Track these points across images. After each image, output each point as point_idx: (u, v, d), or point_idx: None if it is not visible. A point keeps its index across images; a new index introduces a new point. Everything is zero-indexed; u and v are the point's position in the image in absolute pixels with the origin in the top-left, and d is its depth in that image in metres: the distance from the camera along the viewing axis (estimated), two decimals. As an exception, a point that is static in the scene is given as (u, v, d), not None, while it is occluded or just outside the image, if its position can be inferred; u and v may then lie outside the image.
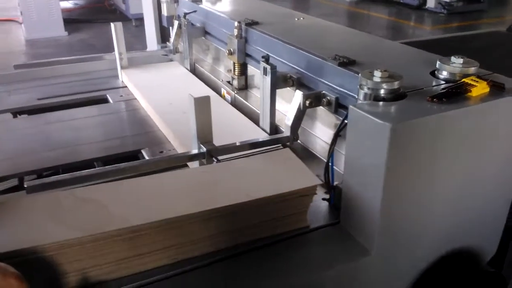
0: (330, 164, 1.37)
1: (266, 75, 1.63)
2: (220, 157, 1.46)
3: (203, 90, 2.16)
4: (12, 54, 6.79)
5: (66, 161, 1.68)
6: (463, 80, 1.23)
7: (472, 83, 1.20)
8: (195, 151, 1.45)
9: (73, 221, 1.07)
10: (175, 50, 2.56)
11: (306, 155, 1.62)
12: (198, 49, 2.60)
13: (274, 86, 1.64)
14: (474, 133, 1.20)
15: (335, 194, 1.37)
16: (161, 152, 1.66)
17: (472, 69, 1.29)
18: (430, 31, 8.50)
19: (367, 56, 1.54)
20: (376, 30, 8.54)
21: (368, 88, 1.22)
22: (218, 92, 2.17)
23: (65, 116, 2.04)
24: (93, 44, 7.03)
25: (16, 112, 2.12)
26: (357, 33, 1.90)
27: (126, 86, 2.36)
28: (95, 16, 8.87)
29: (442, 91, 1.19)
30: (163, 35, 2.87)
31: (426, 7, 9.51)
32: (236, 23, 1.96)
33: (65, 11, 8.94)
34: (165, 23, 2.76)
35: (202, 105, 1.41)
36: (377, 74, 1.21)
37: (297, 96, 1.51)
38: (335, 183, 1.37)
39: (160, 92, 2.14)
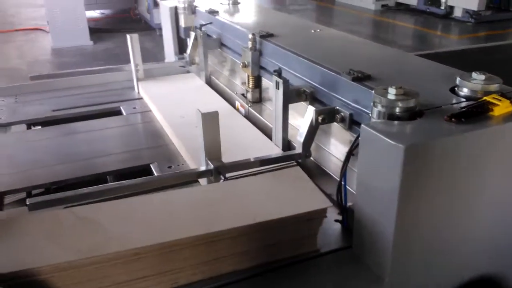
0: (343, 183, 1.31)
1: (278, 89, 1.58)
2: (228, 174, 1.41)
3: (218, 102, 2.12)
4: (37, 63, 6.91)
5: (75, 175, 1.66)
6: (484, 98, 1.15)
7: (494, 101, 1.13)
8: (203, 168, 1.41)
9: (71, 242, 1.04)
10: (192, 62, 2.53)
11: (318, 173, 1.56)
12: (215, 61, 2.56)
13: (287, 101, 1.58)
14: (495, 156, 1.12)
15: (348, 216, 1.31)
16: (170, 167, 1.62)
17: (494, 86, 1.22)
18: (457, 40, 8.31)
19: (384, 70, 1.48)
20: (401, 39, 8.40)
21: (382, 106, 1.15)
22: (232, 104, 2.12)
23: (78, 128, 2.03)
24: (118, 53, 7.10)
25: (31, 124, 2.12)
26: (375, 45, 1.83)
27: (141, 98, 2.34)
28: (121, 25, 8.97)
29: (462, 110, 1.11)
30: (181, 46, 2.85)
31: (453, 16, 9.31)
32: (250, 35, 1.91)
33: (91, 20, 9.09)
34: (182, 34, 2.74)
35: (210, 121, 1.36)
36: (392, 91, 1.15)
37: (310, 112, 1.45)
38: (349, 204, 1.31)
39: (174, 104, 2.11)
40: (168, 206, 1.16)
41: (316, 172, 1.58)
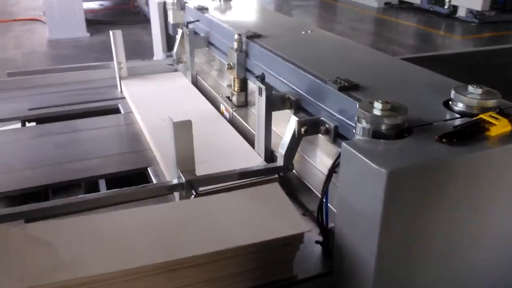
0: (324, 201, 1.20)
1: (261, 96, 1.47)
2: (202, 188, 1.31)
3: (201, 105, 2.01)
4: (33, 54, 6.79)
5: (47, 181, 1.56)
6: (480, 116, 1.04)
7: (491, 120, 1.02)
8: (174, 181, 1.30)
9: (14, 267, 0.93)
10: (179, 60, 2.42)
11: (301, 187, 1.45)
12: (203, 59, 2.45)
13: (270, 108, 1.48)
14: (491, 181, 1.01)
15: (330, 238, 1.20)
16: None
17: (492, 102, 1.10)
18: (460, 41, 8.17)
19: (374, 79, 1.37)
20: (403, 38, 8.27)
21: (367, 122, 1.04)
22: (218, 107, 2.01)
23: (53, 129, 1.92)
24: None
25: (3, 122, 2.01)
26: (368, 50, 1.72)
27: (124, 97, 2.23)
28: (119, 17, 8.83)
29: (454, 129, 1.00)
30: (170, 44, 2.73)
31: (457, 15, 9.16)
32: (236, 35, 1.80)
33: (90, 11, 8.96)
34: (171, 31, 2.63)
35: (183, 130, 1.26)
36: (378, 106, 1.04)
37: (292, 122, 1.34)
38: (331, 224, 1.20)
39: (155, 105, 2.00)
40: (129, 227, 1.05)
41: (298, 186, 1.47)
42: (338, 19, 9.91)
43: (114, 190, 1.25)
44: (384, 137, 1.02)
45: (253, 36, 1.80)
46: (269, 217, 1.10)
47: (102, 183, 2.02)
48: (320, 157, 1.45)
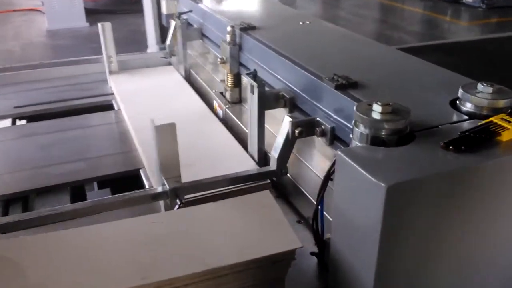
0: (319, 209, 1.10)
1: (253, 93, 1.37)
2: (188, 196, 1.21)
3: (193, 102, 1.91)
4: (31, 45, 6.69)
5: (28, 186, 1.47)
6: (490, 119, 0.94)
7: (503, 123, 0.91)
8: (159, 188, 1.21)
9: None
10: (172, 53, 2.31)
11: (295, 191, 1.35)
12: (197, 52, 2.34)
13: (262, 107, 1.37)
14: (502, 193, 0.91)
15: (325, 249, 1.11)
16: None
17: (503, 102, 1.00)
18: (467, 26, 7.99)
19: (375, 75, 1.26)
20: (409, 25, 8.09)
21: (365, 127, 0.94)
22: (210, 104, 1.91)
23: (38, 129, 1.83)
24: (113, 37, 6.89)
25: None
26: (370, 43, 1.60)
27: (113, 93, 2.13)
28: (121, 7, 8.70)
29: (462, 134, 0.90)
30: (163, 35, 2.62)
31: (464, 0, 8.96)
32: (228, 28, 1.69)
33: (91, 1, 8.83)
34: (164, 22, 2.51)
35: (166, 134, 1.15)
36: (377, 109, 0.94)
37: (285, 123, 1.24)
38: (327, 235, 1.11)
39: (144, 103, 1.90)
40: (103, 244, 0.96)
41: (293, 190, 1.37)
42: (343, 5, 9.72)
43: (92, 200, 1.16)
44: (384, 144, 0.92)
45: (247, 28, 1.69)
46: (257, 231, 1.00)
47: (95, 186, 1.94)
48: (316, 159, 1.35)
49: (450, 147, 0.87)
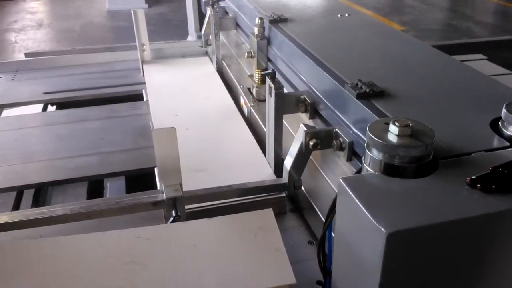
0: (326, 236, 0.97)
1: (270, 95, 1.24)
2: (188, 206, 1.11)
3: (220, 98, 1.80)
4: (90, 25, 6.83)
5: (43, 179, 1.43)
6: (536, 150, 0.76)
7: (552, 158, 0.73)
8: (158, 196, 1.11)
9: None
10: (207, 43, 2.21)
11: (309, 208, 1.21)
12: (233, 43, 2.22)
13: (280, 111, 1.24)
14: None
15: (332, 282, 0.97)
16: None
17: (557, 128, 0.81)
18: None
19: (407, 83, 1.10)
20: (480, 15, 7.54)
21: (378, 151, 0.79)
22: (238, 100, 1.79)
23: (60, 118, 1.79)
24: (170, 19, 6.87)
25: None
26: (410, 41, 1.42)
27: (145, 83, 2.06)
28: (181, -12, 8.76)
29: (494, 169, 0.73)
30: (202, 23, 2.52)
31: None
32: (257, 19, 1.56)
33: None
34: (203, 9, 2.41)
35: (165, 139, 1.06)
36: (394, 130, 0.78)
37: (300, 133, 1.10)
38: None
39: (171, 96, 1.81)
40: (78, 261, 0.88)
41: (307, 206, 1.24)
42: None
43: (89, 205, 1.08)
44: (399, 174, 0.77)
45: (277, 20, 1.55)
46: (248, 259, 0.88)
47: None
48: (334, 174, 1.20)
49: (478, 185, 0.70)
